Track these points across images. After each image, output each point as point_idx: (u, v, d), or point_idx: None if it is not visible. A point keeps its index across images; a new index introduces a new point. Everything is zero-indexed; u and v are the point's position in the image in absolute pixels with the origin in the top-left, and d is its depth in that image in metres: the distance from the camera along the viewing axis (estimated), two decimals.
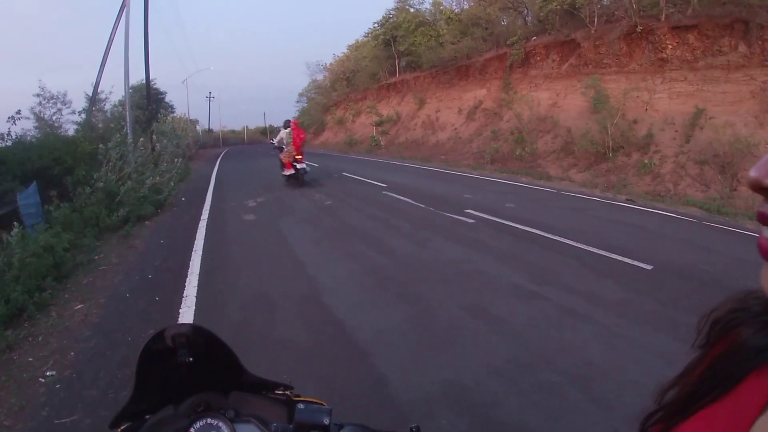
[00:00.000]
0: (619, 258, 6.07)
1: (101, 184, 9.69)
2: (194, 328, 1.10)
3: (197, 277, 5.76)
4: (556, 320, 4.29)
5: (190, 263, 6.40)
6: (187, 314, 4.63)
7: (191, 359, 1.09)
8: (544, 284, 5.18)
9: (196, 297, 5.08)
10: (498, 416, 3.00)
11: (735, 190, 10.72)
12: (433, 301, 4.87)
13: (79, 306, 5.06)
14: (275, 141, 14.36)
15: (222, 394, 1.14)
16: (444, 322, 4.37)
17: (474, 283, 5.33)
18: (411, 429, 0.99)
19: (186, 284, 5.54)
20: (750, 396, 0.49)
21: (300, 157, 13.26)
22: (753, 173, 0.41)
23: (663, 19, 15.36)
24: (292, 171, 13.34)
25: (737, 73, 12.98)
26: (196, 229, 8.62)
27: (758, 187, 0.41)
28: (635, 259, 5.98)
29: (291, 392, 1.15)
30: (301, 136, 13.40)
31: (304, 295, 5.15)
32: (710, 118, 12.92)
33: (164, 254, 7.15)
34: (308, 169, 13.72)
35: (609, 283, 5.22)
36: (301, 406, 0.95)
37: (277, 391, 1.16)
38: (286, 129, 13.56)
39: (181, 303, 4.94)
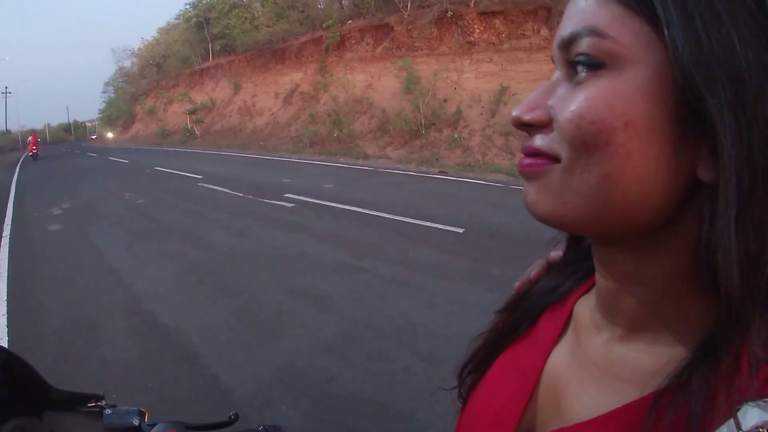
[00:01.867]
0: (433, 225, 6.52)
1: None
2: None
3: (5, 305, 5.04)
4: (378, 290, 4.48)
5: None
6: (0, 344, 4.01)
7: None
8: (365, 258, 5.38)
9: (7, 326, 4.46)
10: (334, 391, 3.08)
11: None
12: (257, 290, 4.80)
13: None
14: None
15: (35, 416, 1.04)
16: (270, 309, 4.33)
17: (297, 266, 5.36)
18: (229, 417, 0.98)
19: None
20: (545, 331, 0.56)
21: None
22: (514, 112, 0.43)
23: (472, 5, 16.62)
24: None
25: (539, 54, 14.50)
26: None
27: (519, 124, 0.43)
28: (448, 225, 6.46)
29: (104, 402, 1.07)
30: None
31: (122, 305, 4.76)
32: (514, 95, 14.34)
33: None
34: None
35: (425, 249, 5.58)
36: (108, 411, 0.90)
37: (89, 404, 1.08)
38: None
39: None
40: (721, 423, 0.33)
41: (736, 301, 0.35)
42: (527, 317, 0.59)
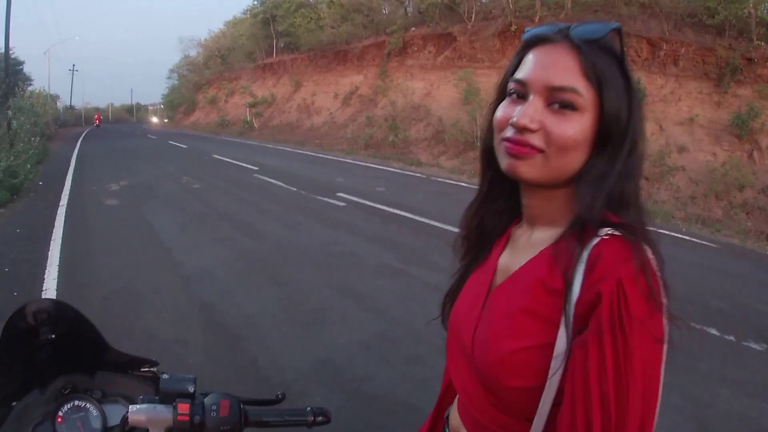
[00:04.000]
0: None
1: None
2: (56, 304, 1.06)
3: (57, 269, 5.27)
4: (421, 296, 4.47)
5: (49, 254, 5.82)
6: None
7: (53, 336, 1.05)
8: (411, 263, 5.38)
9: (57, 290, 4.66)
10: (369, 389, 3.10)
11: None
12: (303, 283, 4.87)
13: None
14: None
15: (88, 374, 1.10)
16: (314, 303, 4.39)
17: (343, 264, 5.41)
18: (277, 395, 1.02)
19: (45, 276, 5.04)
20: (494, 250, 0.92)
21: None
22: (521, 120, 0.74)
23: (537, 20, 16.41)
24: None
25: None
26: (55, 216, 7.84)
27: (522, 128, 0.75)
28: None
29: (157, 369, 1.13)
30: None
31: (170, 283, 4.93)
32: None
33: (21, 245, 6.45)
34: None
35: None
36: (165, 376, 0.92)
37: (143, 369, 1.13)
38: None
39: (41, 297, 4.48)
40: (577, 254, 0.70)
41: (581, 206, 0.74)
42: (482, 252, 0.94)
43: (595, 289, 0.66)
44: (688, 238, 7.53)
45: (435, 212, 7.80)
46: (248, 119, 30.31)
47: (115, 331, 3.86)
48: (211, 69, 43.84)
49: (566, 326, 0.68)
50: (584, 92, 0.73)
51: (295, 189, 9.97)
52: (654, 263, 0.68)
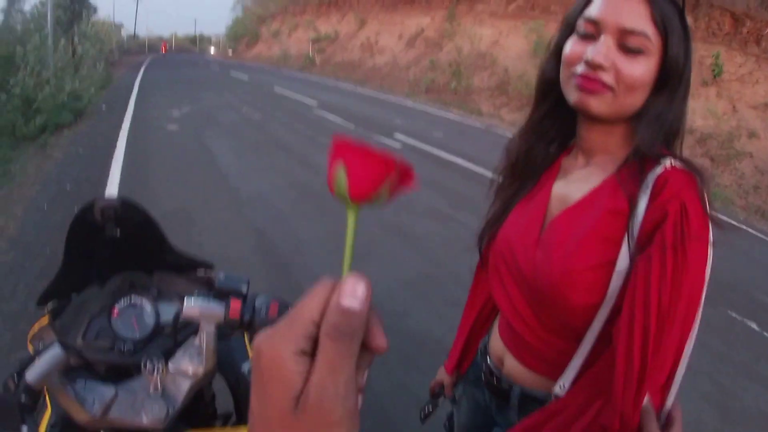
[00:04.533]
0: None
1: (18, 90, 8.81)
2: (123, 202, 1.11)
3: (117, 188, 5.51)
4: (467, 242, 4.40)
5: (110, 173, 6.06)
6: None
7: (119, 234, 1.10)
8: (461, 209, 5.35)
9: None
10: (407, 325, 3.17)
11: None
12: None
13: None
14: None
15: (146, 273, 1.16)
16: (361, 237, 4.41)
17: (394, 204, 5.29)
18: None
19: (105, 195, 5.28)
20: (545, 181, 0.95)
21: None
22: (597, 58, 0.80)
23: None
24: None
25: None
26: (117, 138, 8.09)
27: (596, 65, 0.81)
28: None
29: (212, 271, 1.20)
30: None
31: (226, 207, 5.08)
32: None
33: (83, 165, 6.75)
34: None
35: None
36: (221, 275, 0.98)
37: (198, 271, 1.20)
38: None
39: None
40: (641, 180, 0.77)
41: (643, 139, 0.81)
42: (528, 182, 0.98)
43: (662, 209, 0.73)
44: (744, 227, 7.16)
45: (490, 162, 7.53)
46: (310, 55, 30.16)
47: None
48: (275, 2, 43.50)
49: (629, 244, 0.76)
50: (652, 37, 0.79)
51: (353, 126, 9.96)
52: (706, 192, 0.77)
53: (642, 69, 0.79)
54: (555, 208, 0.90)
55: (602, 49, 0.79)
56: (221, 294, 0.95)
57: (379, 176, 0.41)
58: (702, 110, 11.29)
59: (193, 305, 0.93)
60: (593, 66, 0.79)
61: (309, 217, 4.85)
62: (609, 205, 0.80)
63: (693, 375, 3.00)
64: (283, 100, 14.00)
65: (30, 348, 1.04)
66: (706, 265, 0.73)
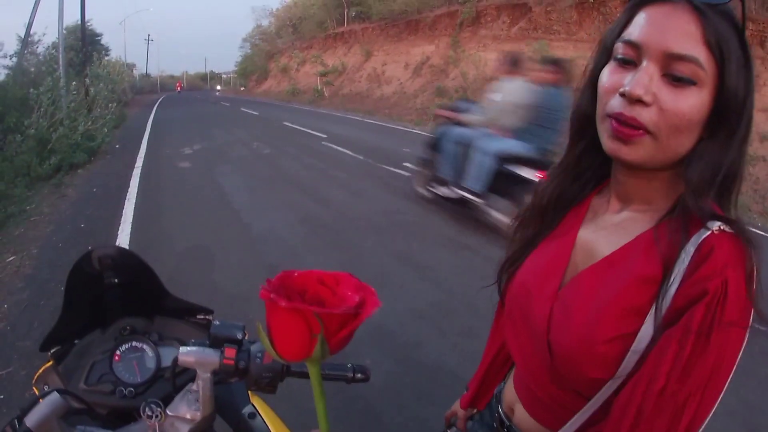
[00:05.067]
0: None
1: (32, 131, 9.08)
2: (120, 250, 1.13)
3: (130, 226, 5.61)
4: (480, 270, 4.43)
5: (123, 212, 6.20)
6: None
7: (116, 281, 1.12)
8: (472, 237, 5.33)
9: (129, 245, 4.94)
10: (420, 357, 3.14)
11: None
12: (364, 248, 4.95)
13: (11, 258, 4.83)
14: None
15: (147, 318, 1.18)
16: (373, 269, 4.45)
17: (405, 233, 5.43)
18: None
19: (119, 233, 5.38)
20: (572, 220, 0.86)
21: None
22: (636, 90, 0.66)
23: None
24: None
25: None
26: (130, 177, 8.30)
27: (635, 99, 0.67)
28: None
29: (211, 317, 1.20)
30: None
31: (238, 243, 5.12)
32: None
33: (97, 203, 6.89)
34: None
35: None
36: (216, 322, 0.99)
37: (198, 316, 1.21)
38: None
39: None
40: (682, 244, 0.66)
41: (691, 193, 0.68)
42: (554, 220, 0.87)
43: (700, 286, 0.62)
44: (763, 233, 7.06)
45: None
46: (319, 88, 30.58)
47: (183, 284, 4.07)
48: (283, 38, 44.42)
49: (656, 318, 0.65)
50: (705, 64, 0.64)
51: (362, 157, 10.02)
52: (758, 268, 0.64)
53: (692, 103, 0.65)
54: (579, 258, 0.80)
55: (643, 79, 0.66)
56: (217, 341, 0.96)
57: (303, 336, 0.40)
58: None
59: (188, 353, 0.94)
60: (631, 100, 0.66)
61: (320, 251, 4.87)
62: (640, 269, 0.68)
63: None
64: (293, 133, 14.17)
65: (35, 391, 1.06)
66: (735, 354, 0.63)
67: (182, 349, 0.94)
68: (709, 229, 0.65)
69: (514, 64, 5.28)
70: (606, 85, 0.71)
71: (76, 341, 1.13)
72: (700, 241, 0.64)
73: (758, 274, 0.64)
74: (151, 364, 1.08)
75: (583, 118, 0.80)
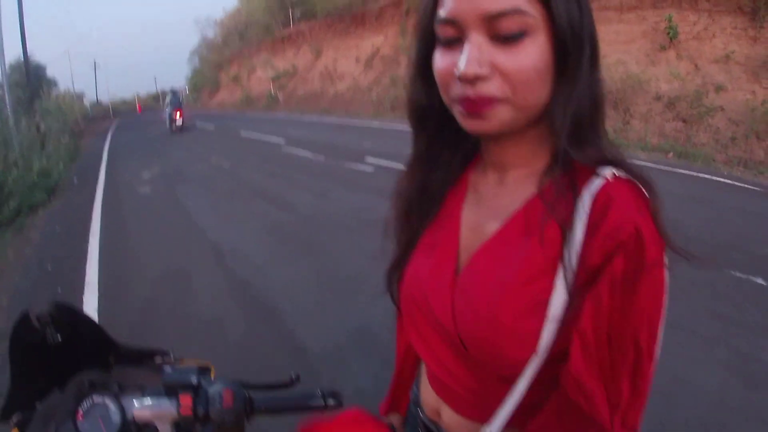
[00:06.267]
0: None
1: None
2: (56, 306, 1.05)
3: (97, 262, 5.41)
4: None
5: (89, 247, 5.97)
6: (91, 301, 4.32)
7: (59, 338, 1.06)
8: None
9: (98, 282, 4.77)
10: None
11: (627, 123, 11.38)
12: (336, 251, 4.86)
13: None
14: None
15: (105, 369, 1.12)
16: (348, 271, 4.37)
17: (376, 231, 5.18)
18: (290, 377, 0.99)
19: (87, 269, 5.17)
20: (452, 202, 0.79)
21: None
22: (467, 69, 0.60)
23: None
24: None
25: (630, 14, 13.51)
26: (92, 210, 8.01)
27: (472, 78, 0.61)
28: None
29: (171, 357, 1.13)
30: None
31: (207, 263, 4.98)
32: (603, 57, 13.46)
33: (61, 242, 6.65)
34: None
35: None
36: (168, 368, 0.92)
37: (156, 358, 1.13)
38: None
39: (84, 290, 4.61)
40: (567, 191, 0.63)
41: (567, 142, 0.64)
42: (430, 210, 0.81)
43: (613, 238, 0.58)
44: (730, 182, 7.20)
45: None
46: (272, 93, 30.37)
47: (157, 313, 3.98)
48: (230, 47, 43.88)
49: (566, 280, 0.60)
50: (528, 8, 0.59)
51: (323, 158, 9.96)
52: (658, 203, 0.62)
53: (531, 55, 0.60)
54: (469, 240, 0.73)
55: (472, 54, 0.60)
56: (171, 390, 0.89)
57: None
58: (665, 75, 11.43)
59: (143, 408, 0.89)
60: (469, 80, 0.61)
61: (291, 260, 4.76)
62: (535, 235, 0.64)
63: (708, 344, 2.95)
64: (251, 143, 14.02)
65: None
66: (663, 292, 0.60)
67: (137, 403, 0.89)
68: (601, 176, 0.61)
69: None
70: (442, 72, 0.65)
71: (36, 403, 1.06)
72: (595, 191, 0.61)
73: (660, 210, 0.61)
74: (116, 418, 1.01)
75: (420, 109, 0.75)
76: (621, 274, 0.57)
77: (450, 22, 0.62)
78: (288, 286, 4.16)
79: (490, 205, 0.73)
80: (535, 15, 0.59)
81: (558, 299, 0.61)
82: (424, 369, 0.88)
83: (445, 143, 0.78)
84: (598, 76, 0.67)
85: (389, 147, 10.55)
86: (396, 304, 0.91)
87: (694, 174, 7.58)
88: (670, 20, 11.61)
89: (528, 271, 0.64)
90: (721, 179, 7.39)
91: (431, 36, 0.67)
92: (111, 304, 4.13)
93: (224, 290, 4.28)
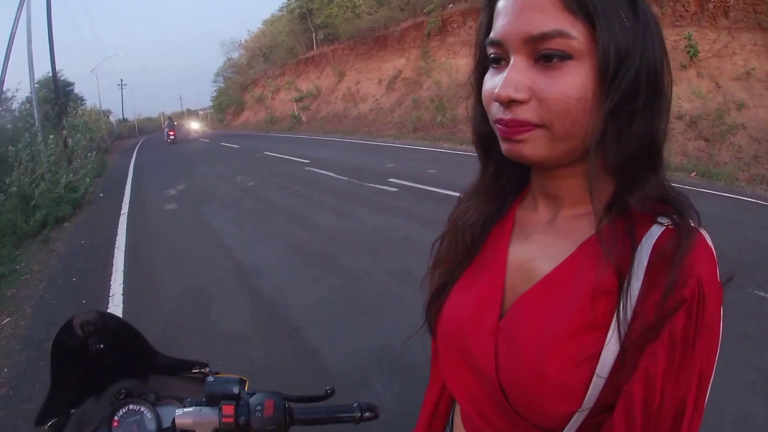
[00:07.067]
0: None
1: (14, 188, 8.96)
2: (101, 315, 1.09)
3: (122, 275, 5.52)
4: None
5: (114, 261, 6.11)
6: (115, 313, 4.41)
7: (102, 346, 1.09)
8: None
9: (123, 295, 4.87)
10: (428, 376, 3.06)
11: None
12: (359, 271, 4.88)
13: (6, 320, 4.72)
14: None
15: (141, 379, 1.14)
16: (372, 289, 4.39)
17: (398, 250, 5.38)
18: (326, 391, 1.01)
19: (111, 283, 5.29)
20: (497, 240, 0.75)
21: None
22: (505, 91, 0.59)
23: None
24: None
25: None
26: (117, 225, 8.21)
27: (508, 101, 0.59)
28: None
29: (207, 369, 1.16)
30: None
31: (232, 280, 5.05)
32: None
33: (87, 255, 6.78)
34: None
35: None
36: (210, 378, 0.94)
37: (193, 371, 1.16)
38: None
39: (108, 303, 4.72)
40: (624, 238, 0.59)
41: (623, 184, 0.61)
42: (475, 245, 0.77)
43: (674, 295, 0.55)
44: (753, 200, 7.09)
45: None
46: (296, 114, 30.70)
47: (182, 329, 4.02)
48: (254, 68, 44.62)
49: (619, 334, 0.57)
50: (574, 32, 0.56)
51: (346, 178, 10.02)
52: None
53: (572, 80, 0.57)
54: (516, 281, 0.69)
55: (510, 77, 0.58)
56: (214, 399, 0.91)
57: None
58: (686, 93, 11.32)
59: (185, 415, 0.90)
60: (504, 102, 0.59)
61: (315, 279, 4.80)
62: (590, 282, 0.60)
63: (733, 365, 2.90)
64: (275, 162, 14.16)
65: None
66: (716, 350, 0.57)
67: (178, 411, 0.90)
68: (661, 224, 0.58)
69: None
70: (485, 93, 0.64)
71: (72, 410, 1.09)
72: (653, 241, 0.57)
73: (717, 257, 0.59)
74: (151, 426, 1.03)
75: (484, 137, 0.73)
76: (681, 332, 0.55)
77: (496, 43, 0.61)
78: (311, 305, 4.19)
79: (540, 244, 0.69)
80: (579, 39, 0.56)
81: (609, 354, 0.58)
82: (458, 409, 0.84)
83: (511, 174, 0.76)
84: (661, 113, 0.60)
85: (412, 168, 10.61)
86: (433, 335, 0.87)
87: (717, 193, 7.49)
88: (689, 38, 11.55)
89: (579, 322, 0.60)
90: (744, 198, 7.29)
91: (486, 59, 0.65)
92: (135, 318, 4.18)
93: (249, 308, 4.33)
